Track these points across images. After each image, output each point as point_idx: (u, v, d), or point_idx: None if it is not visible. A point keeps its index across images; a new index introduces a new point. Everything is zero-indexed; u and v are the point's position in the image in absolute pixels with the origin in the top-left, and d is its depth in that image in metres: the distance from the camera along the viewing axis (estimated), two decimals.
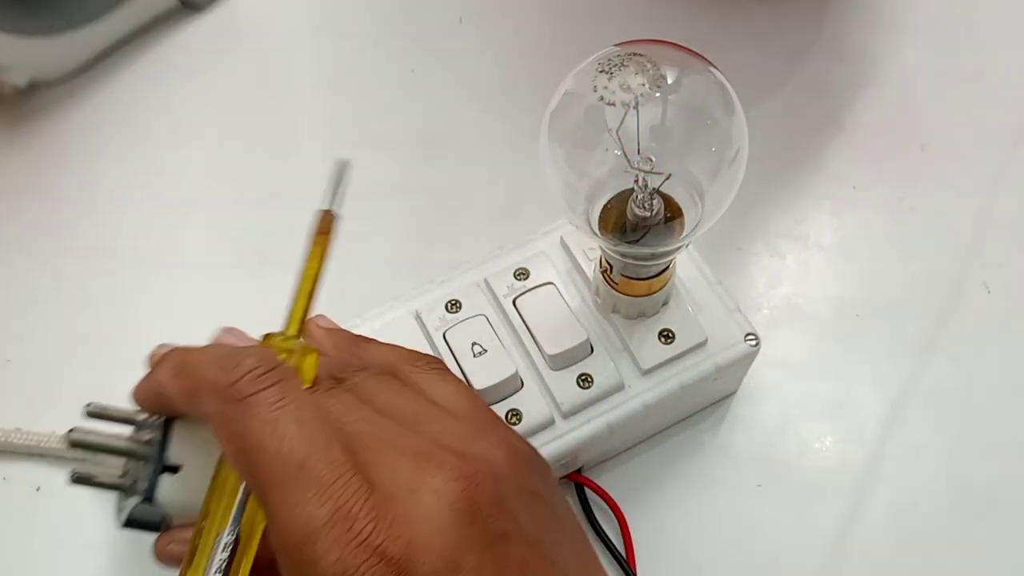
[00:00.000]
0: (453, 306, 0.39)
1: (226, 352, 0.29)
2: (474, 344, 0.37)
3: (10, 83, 0.50)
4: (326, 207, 0.33)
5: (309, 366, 0.30)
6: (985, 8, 0.51)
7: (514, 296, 0.39)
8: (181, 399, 0.29)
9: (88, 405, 0.32)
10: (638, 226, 0.33)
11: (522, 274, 0.39)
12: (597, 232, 0.34)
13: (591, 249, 0.39)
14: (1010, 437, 0.41)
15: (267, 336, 0.31)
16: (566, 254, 0.40)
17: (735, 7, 0.51)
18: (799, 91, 0.50)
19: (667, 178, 0.32)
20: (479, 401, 0.31)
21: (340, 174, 0.33)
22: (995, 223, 0.46)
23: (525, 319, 0.38)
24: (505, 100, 0.50)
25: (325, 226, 0.33)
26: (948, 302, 0.44)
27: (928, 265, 0.45)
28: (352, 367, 0.32)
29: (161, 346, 0.34)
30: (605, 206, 0.34)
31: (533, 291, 0.39)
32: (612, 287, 0.37)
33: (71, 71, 0.52)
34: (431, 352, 0.38)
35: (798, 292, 0.45)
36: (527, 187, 0.48)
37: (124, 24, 0.52)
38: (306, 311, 0.32)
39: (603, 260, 0.37)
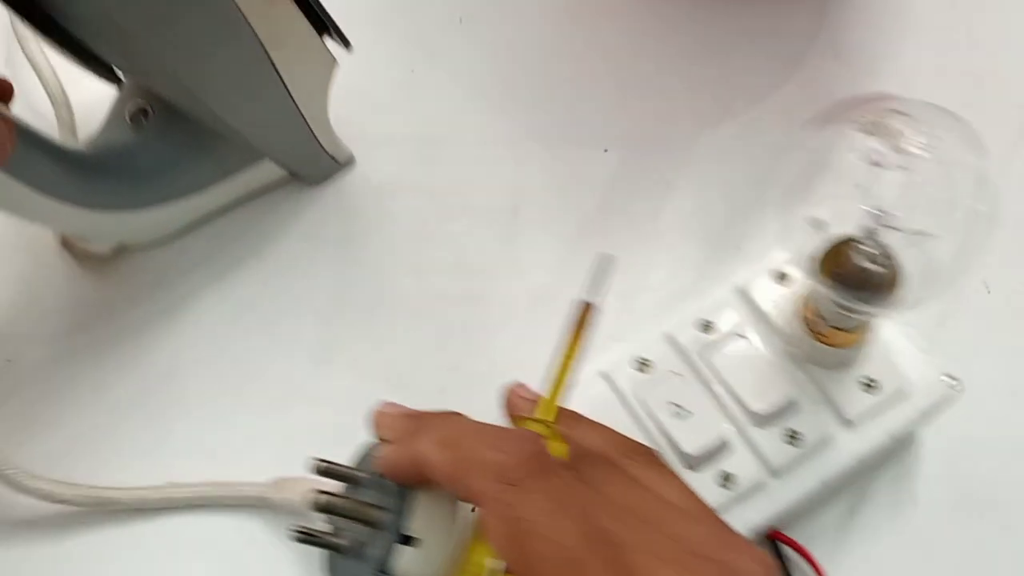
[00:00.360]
0: (642, 365, 0.37)
1: (499, 431, 0.29)
2: (673, 404, 0.36)
3: (92, 251, 0.46)
4: (587, 299, 0.33)
5: (562, 454, 0.30)
6: (985, 8, 0.51)
7: (704, 350, 0.37)
8: (444, 473, 0.28)
9: (315, 461, 0.31)
10: (866, 281, 0.32)
11: (707, 326, 0.38)
12: (822, 283, 0.32)
13: (776, 298, 0.38)
14: (1010, 437, 0.41)
15: (521, 420, 0.31)
16: (746, 303, 0.38)
17: (735, 7, 0.51)
18: (799, 90, 0.50)
19: (916, 236, 0.31)
20: (702, 500, 0.31)
21: (604, 268, 0.33)
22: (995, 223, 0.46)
23: (720, 374, 0.37)
24: (505, 100, 0.50)
25: (585, 317, 0.33)
26: (948, 302, 0.44)
27: None
28: (572, 451, 0.31)
29: (388, 404, 0.33)
30: (828, 253, 0.33)
31: (723, 344, 0.37)
32: (817, 338, 0.35)
33: (163, 238, 0.47)
34: (626, 414, 0.37)
35: None
36: (527, 187, 0.48)
37: (225, 196, 0.47)
38: (560, 398, 0.32)
39: (811, 310, 0.35)
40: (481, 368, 0.44)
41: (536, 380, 0.43)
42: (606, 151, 0.48)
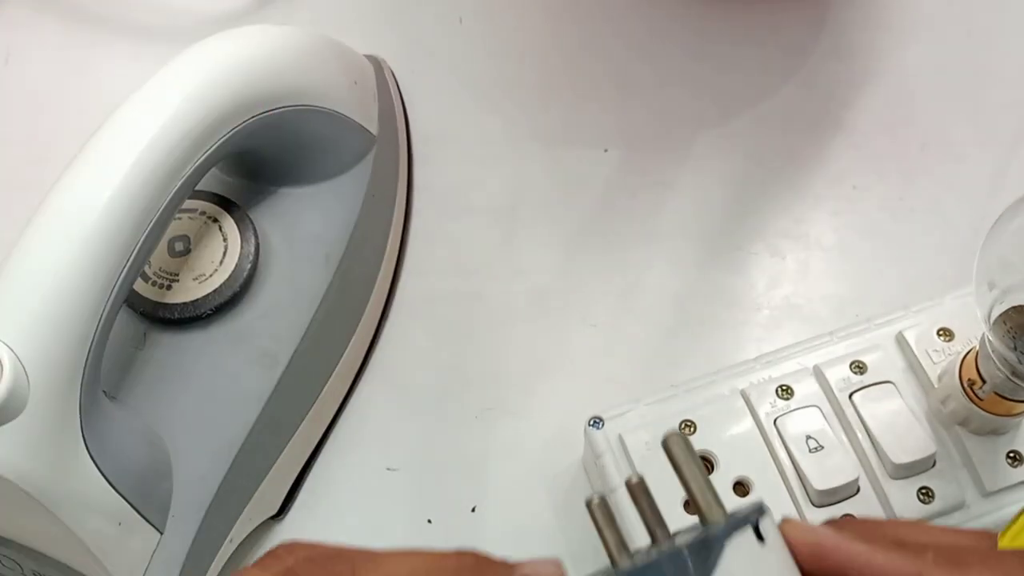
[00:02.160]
0: (784, 392, 0.37)
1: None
2: (808, 438, 0.35)
3: None
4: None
5: None
6: (985, 8, 0.51)
7: (851, 391, 0.36)
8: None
9: None
10: None
11: (859, 368, 0.36)
12: (1000, 341, 0.31)
13: (935, 352, 0.37)
14: None
15: None
16: (902, 352, 0.37)
17: (735, 6, 0.51)
18: (799, 90, 0.50)
19: None
20: None
21: None
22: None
23: (863, 418, 0.36)
24: (505, 100, 0.50)
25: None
26: None
27: (928, 265, 0.45)
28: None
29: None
30: (1013, 310, 0.31)
31: (871, 388, 0.36)
32: (974, 401, 0.34)
33: None
34: (759, 435, 0.36)
35: (798, 292, 0.45)
36: (527, 187, 0.48)
37: None
38: None
39: (973, 371, 0.34)
40: (481, 368, 0.44)
41: (537, 380, 0.43)
42: (606, 151, 0.49)
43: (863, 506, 0.35)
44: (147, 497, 0.34)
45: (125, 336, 0.37)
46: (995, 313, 0.31)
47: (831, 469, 0.35)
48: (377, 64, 0.46)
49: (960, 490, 0.35)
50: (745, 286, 0.45)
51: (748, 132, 0.49)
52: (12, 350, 0.29)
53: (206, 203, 0.39)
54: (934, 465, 0.35)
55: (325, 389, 0.41)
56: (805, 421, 0.36)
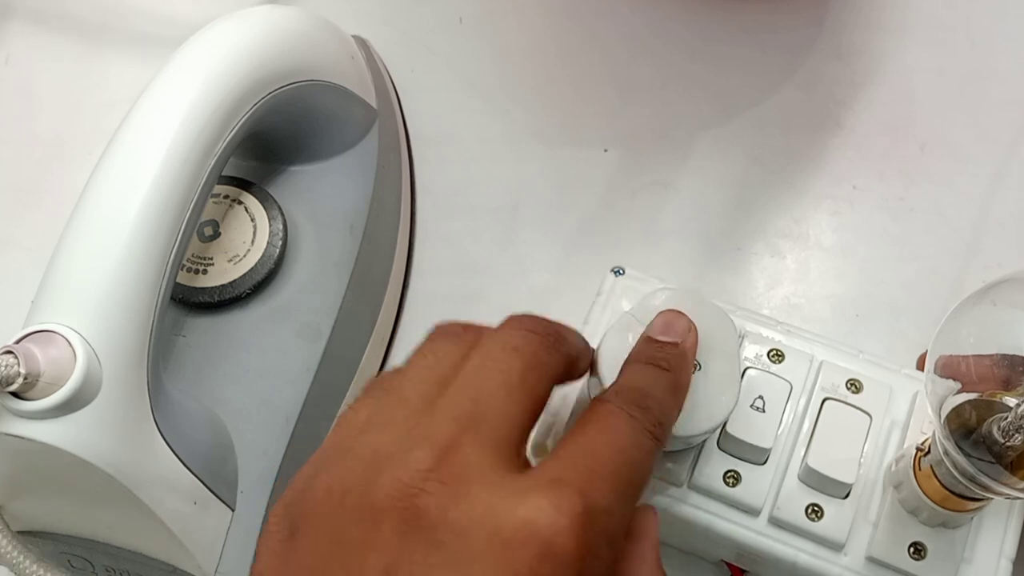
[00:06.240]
0: (776, 356, 0.37)
1: None
2: (759, 398, 0.35)
3: None
4: None
5: None
6: (985, 8, 0.51)
7: (829, 395, 0.36)
8: None
9: None
10: (989, 448, 0.29)
11: (854, 386, 0.36)
12: (942, 424, 0.30)
13: (929, 424, 0.36)
14: None
15: None
16: (907, 408, 0.36)
17: (735, 6, 0.51)
18: (799, 90, 0.50)
19: None
20: None
21: None
22: (995, 223, 0.46)
23: (819, 420, 0.35)
24: (505, 100, 0.50)
25: None
26: (948, 302, 0.44)
27: (928, 265, 0.45)
28: None
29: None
30: (965, 404, 0.30)
31: (848, 407, 0.36)
32: (913, 469, 0.34)
33: None
34: None
35: (798, 292, 0.45)
36: (527, 187, 0.48)
37: None
38: None
39: (928, 444, 0.33)
40: None
41: None
42: (606, 151, 0.49)
43: (754, 477, 0.35)
44: (216, 475, 0.35)
45: (166, 325, 0.37)
46: (946, 408, 0.31)
47: (752, 428, 0.35)
48: (363, 43, 0.47)
49: (849, 536, 0.34)
50: (745, 286, 0.45)
51: (748, 132, 0.49)
52: (82, 336, 0.30)
53: (227, 187, 0.40)
54: (845, 498, 0.35)
55: (364, 357, 0.42)
56: (769, 386, 0.36)
